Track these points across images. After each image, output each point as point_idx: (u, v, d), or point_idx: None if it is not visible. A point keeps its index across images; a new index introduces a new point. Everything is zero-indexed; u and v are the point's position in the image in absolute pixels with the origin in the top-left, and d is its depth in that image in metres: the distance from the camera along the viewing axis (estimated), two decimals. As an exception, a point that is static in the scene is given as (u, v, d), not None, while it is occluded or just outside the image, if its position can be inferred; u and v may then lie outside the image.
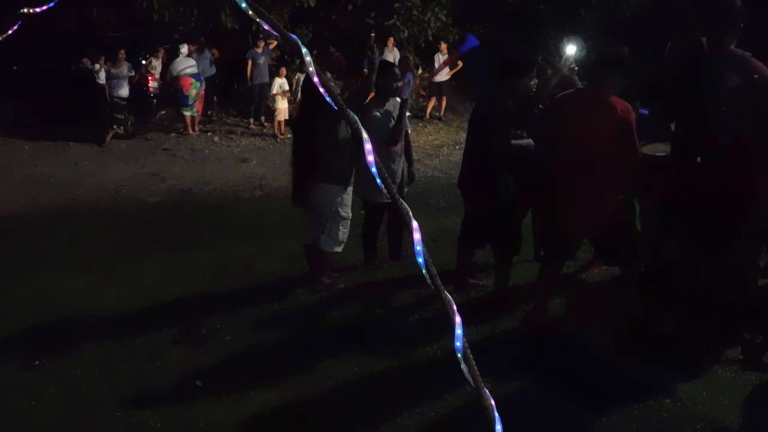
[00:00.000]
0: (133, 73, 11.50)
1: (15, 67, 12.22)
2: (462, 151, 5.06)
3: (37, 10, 1.73)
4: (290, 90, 12.11)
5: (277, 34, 1.39)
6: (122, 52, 11.26)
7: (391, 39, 13.68)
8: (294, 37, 1.34)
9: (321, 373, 3.98)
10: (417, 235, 1.27)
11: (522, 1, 14.48)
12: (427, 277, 1.27)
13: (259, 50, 12.29)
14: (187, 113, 11.77)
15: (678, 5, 10.43)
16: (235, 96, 13.39)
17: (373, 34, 8.93)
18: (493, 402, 1.27)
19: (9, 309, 4.71)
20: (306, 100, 5.19)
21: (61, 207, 7.68)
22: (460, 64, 13.22)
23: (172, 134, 11.74)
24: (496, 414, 1.27)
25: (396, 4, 14.19)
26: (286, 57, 13.25)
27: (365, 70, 7.72)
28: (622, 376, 3.93)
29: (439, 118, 13.66)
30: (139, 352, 4.20)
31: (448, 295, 1.28)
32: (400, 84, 5.51)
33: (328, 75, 5.31)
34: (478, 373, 1.26)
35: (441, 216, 6.81)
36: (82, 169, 9.52)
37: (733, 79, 3.66)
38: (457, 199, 5.27)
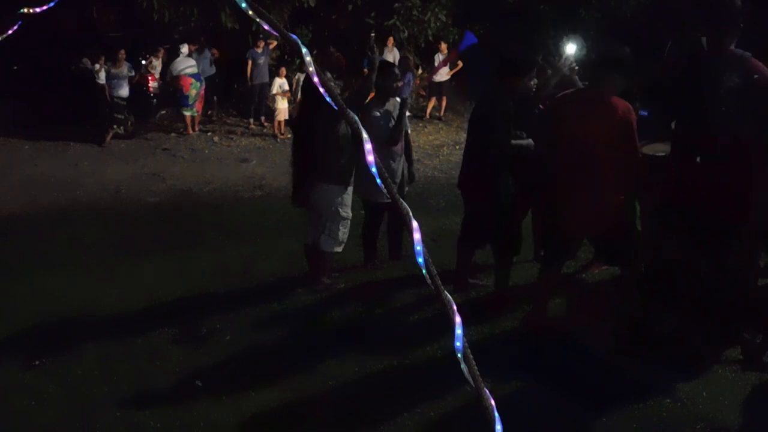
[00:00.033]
0: (133, 73, 11.51)
1: (15, 67, 12.23)
2: (462, 151, 5.06)
3: (37, 10, 1.73)
4: (290, 90, 12.12)
5: (277, 34, 1.39)
6: (122, 52, 11.26)
7: (391, 39, 13.68)
8: (294, 37, 1.34)
9: (321, 373, 3.98)
10: (417, 235, 1.27)
11: (522, 1, 14.49)
12: (427, 277, 1.27)
13: (259, 50, 12.29)
14: (187, 113, 11.78)
15: (678, 5, 10.44)
16: (235, 96, 13.39)
17: (373, 34, 8.95)
18: (493, 402, 1.27)
19: (9, 309, 4.71)
20: (306, 100, 5.19)
21: (61, 207, 7.68)
22: (460, 64, 13.22)
23: (172, 134, 11.74)
24: (496, 414, 1.27)
25: (396, 4, 14.19)
26: (286, 57, 13.25)
27: (365, 70, 7.72)
28: (622, 376, 3.93)
29: (439, 118, 13.66)
30: (139, 352, 4.20)
31: (448, 295, 1.28)
32: (400, 84, 5.51)
33: (328, 75, 5.31)
34: (478, 373, 1.26)
35: (441, 216, 6.81)
36: (82, 169, 9.52)
37: (733, 79, 3.66)
38: (457, 199, 5.27)
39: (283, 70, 12.22)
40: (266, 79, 12.30)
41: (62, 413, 3.58)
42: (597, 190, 4.01)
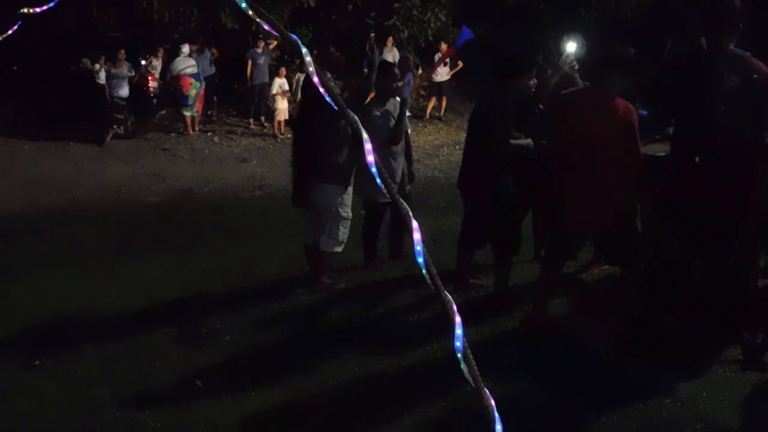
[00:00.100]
0: (133, 73, 11.51)
1: (15, 67, 12.22)
2: (462, 151, 5.07)
3: (37, 10, 1.73)
4: (290, 90, 12.12)
5: (277, 34, 1.39)
6: (122, 52, 11.26)
7: (390, 39, 13.68)
8: (294, 37, 1.34)
9: (321, 373, 3.98)
10: (417, 235, 1.27)
11: (522, 1, 14.49)
12: (427, 277, 1.27)
13: (259, 50, 12.29)
14: (187, 113, 11.78)
15: (678, 5, 10.44)
16: (235, 96, 13.39)
17: (372, 34, 8.94)
18: (493, 402, 1.27)
19: (9, 309, 4.71)
20: (306, 100, 5.19)
21: (61, 207, 7.68)
22: (460, 64, 13.22)
23: (172, 134, 11.74)
24: (496, 414, 1.27)
25: (396, 4, 14.19)
26: (286, 57, 13.25)
27: (365, 70, 7.73)
28: (622, 376, 3.93)
29: (439, 118, 13.66)
30: (139, 352, 4.19)
31: (448, 295, 1.28)
32: (400, 84, 5.52)
33: (328, 75, 5.31)
34: (478, 373, 1.26)
35: (441, 216, 6.81)
36: (82, 169, 9.52)
37: (733, 78, 3.66)
38: (457, 199, 5.27)
39: (283, 70, 12.22)
40: (266, 79, 12.30)
41: (62, 413, 3.58)
42: (597, 190, 4.01)
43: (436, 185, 8.67)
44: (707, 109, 3.71)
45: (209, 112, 12.80)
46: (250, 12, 1.34)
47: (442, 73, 13.35)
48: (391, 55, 13.10)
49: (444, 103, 13.70)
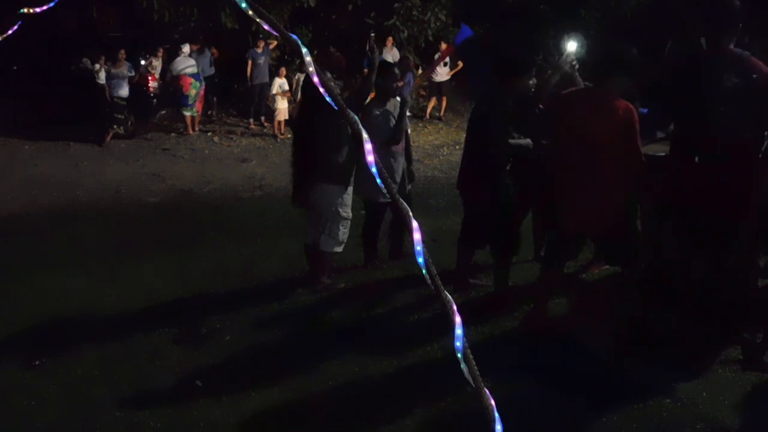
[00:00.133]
0: (133, 73, 11.51)
1: (15, 67, 12.23)
2: (462, 151, 5.07)
3: (37, 10, 1.73)
4: (290, 90, 12.12)
5: (277, 34, 1.39)
6: (122, 52, 11.27)
7: (390, 39, 13.68)
8: (294, 37, 1.34)
9: (321, 373, 3.98)
10: (417, 235, 1.27)
11: (522, 1, 14.50)
12: (427, 277, 1.27)
13: (259, 50, 12.29)
14: (187, 113, 11.78)
15: (678, 5, 10.44)
16: (235, 96, 13.39)
17: (372, 34, 8.94)
18: (493, 402, 1.27)
19: (9, 309, 4.71)
20: (306, 100, 5.19)
21: (61, 207, 7.68)
22: (460, 64, 13.21)
23: (172, 134, 11.74)
24: (496, 414, 1.27)
25: (396, 4, 14.19)
26: (286, 57, 13.26)
27: (365, 70, 7.72)
28: (622, 376, 3.93)
29: (439, 118, 13.66)
30: (139, 352, 4.19)
31: (448, 295, 1.28)
32: (400, 84, 5.52)
33: (328, 75, 5.31)
34: (478, 373, 1.26)
35: (441, 216, 6.81)
36: (82, 169, 9.53)
37: (732, 78, 3.66)
38: (457, 199, 5.27)
39: (283, 70, 12.22)
40: (266, 79, 12.31)
41: (62, 413, 3.57)
42: (597, 190, 4.00)
43: (436, 185, 8.67)
44: (707, 109, 3.71)
45: (209, 112, 12.80)
46: (250, 12, 1.34)
47: (442, 73, 13.34)
48: (391, 55, 13.10)
49: (444, 103, 13.69)
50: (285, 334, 4.53)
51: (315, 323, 4.64)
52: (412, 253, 1.28)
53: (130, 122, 11.38)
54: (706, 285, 3.98)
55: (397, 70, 5.53)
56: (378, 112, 5.09)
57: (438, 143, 11.87)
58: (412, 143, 5.66)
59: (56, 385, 3.82)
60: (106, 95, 11.12)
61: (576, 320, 4.67)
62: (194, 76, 11.69)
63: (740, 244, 3.93)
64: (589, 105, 4.06)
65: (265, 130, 12.24)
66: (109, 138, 11.00)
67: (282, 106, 11.95)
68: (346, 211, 4.87)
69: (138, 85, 11.80)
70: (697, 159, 3.83)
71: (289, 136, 10.13)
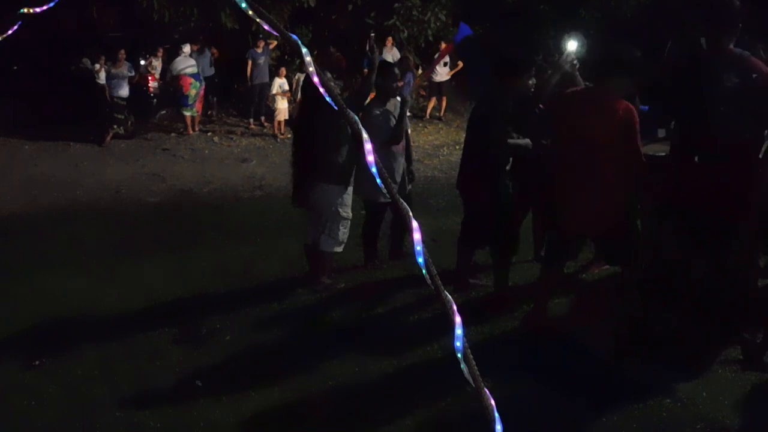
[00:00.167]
0: (133, 73, 11.51)
1: (15, 67, 12.23)
2: (462, 151, 5.06)
3: (37, 10, 1.73)
4: (290, 90, 12.12)
5: (277, 34, 1.39)
6: (122, 52, 11.28)
7: (390, 39, 13.68)
8: (294, 37, 1.34)
9: (321, 373, 3.98)
10: (417, 235, 1.27)
11: (522, 1, 14.50)
12: (427, 277, 1.27)
13: (259, 50, 12.29)
14: (187, 113, 11.78)
15: (678, 5, 10.44)
16: (235, 96, 13.40)
17: (372, 34, 8.95)
18: (493, 402, 1.27)
19: (9, 309, 4.71)
20: (306, 100, 5.19)
21: (61, 207, 7.68)
22: (460, 64, 13.21)
23: (172, 134, 11.75)
24: (496, 414, 1.27)
25: (396, 4, 14.19)
26: (286, 57, 13.26)
27: (365, 70, 7.72)
28: (622, 376, 3.93)
29: (439, 118, 13.66)
30: (139, 352, 4.19)
31: (448, 295, 1.28)
32: (400, 84, 5.52)
33: (328, 75, 5.31)
34: (478, 373, 1.26)
35: (441, 216, 6.81)
36: (82, 169, 9.53)
37: (732, 78, 3.66)
38: (457, 199, 5.27)
39: (283, 70, 12.22)
40: (266, 79, 12.31)
41: (62, 413, 3.57)
42: (597, 190, 4.00)
43: (436, 185, 8.67)
44: (707, 109, 3.71)
45: (209, 112, 12.81)
46: (250, 12, 1.34)
47: (442, 73, 13.35)
48: (391, 55, 13.10)
49: (444, 103, 13.69)
50: (285, 334, 4.53)
51: (315, 323, 4.64)
52: (412, 253, 1.28)
53: (130, 122, 11.39)
54: (706, 285, 3.98)
55: (397, 70, 5.53)
56: (378, 112, 5.09)
57: (438, 143, 11.87)
58: (412, 143, 5.66)
59: (56, 385, 3.81)
60: (106, 95, 11.13)
61: (576, 320, 4.67)
62: (194, 76, 11.69)
63: (740, 244, 3.93)
64: (589, 105, 4.06)
65: (265, 130, 12.24)
66: (109, 138, 11.00)
67: (282, 106, 11.95)
68: (346, 211, 4.87)
69: (138, 85, 11.81)
70: (697, 159, 3.83)
71: (289, 136, 10.13)
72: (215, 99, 12.89)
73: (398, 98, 5.30)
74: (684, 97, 3.88)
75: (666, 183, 4.06)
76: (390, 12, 14.14)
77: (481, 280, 5.19)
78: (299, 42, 1.33)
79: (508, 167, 4.72)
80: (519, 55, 5.07)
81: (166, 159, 10.33)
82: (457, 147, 10.65)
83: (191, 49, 12.05)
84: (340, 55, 13.30)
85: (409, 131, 5.58)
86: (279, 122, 11.97)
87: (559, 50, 4.77)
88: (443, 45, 13.66)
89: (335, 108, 1.34)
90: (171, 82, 11.80)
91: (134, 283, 5.21)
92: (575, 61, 4.64)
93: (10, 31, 1.80)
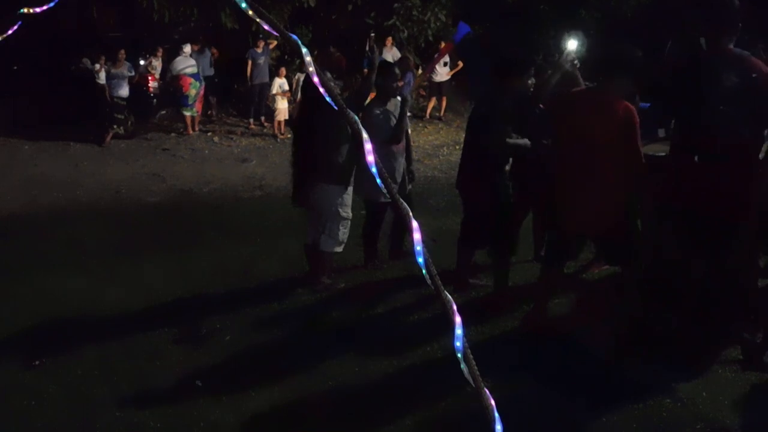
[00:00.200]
0: (133, 73, 11.51)
1: (15, 67, 12.23)
2: (461, 151, 5.06)
3: (37, 10, 1.73)
4: (290, 90, 12.12)
5: (277, 34, 1.39)
6: (122, 52, 11.28)
7: (390, 39, 13.68)
8: (294, 37, 1.34)
9: (321, 373, 3.98)
10: (417, 235, 1.27)
11: (522, 1, 14.50)
12: (427, 277, 1.27)
13: (259, 50, 12.29)
14: (187, 113, 11.79)
15: (678, 5, 10.44)
16: (235, 96, 13.40)
17: (372, 34, 8.95)
18: (493, 402, 1.27)
19: (9, 309, 4.71)
20: (306, 100, 5.19)
21: (61, 207, 7.68)
22: (460, 64, 13.20)
23: (172, 134, 11.75)
24: (496, 414, 1.27)
25: (396, 4, 14.19)
26: (286, 57, 13.26)
27: (365, 70, 7.72)
28: (622, 376, 3.93)
29: (439, 118, 13.66)
30: (139, 352, 4.19)
31: (448, 295, 1.28)
32: (400, 84, 5.52)
33: (328, 75, 5.31)
34: (478, 373, 1.26)
35: (441, 216, 6.81)
36: (82, 169, 9.53)
37: (732, 78, 3.67)
38: (457, 199, 5.27)
39: (283, 70, 12.22)
40: (266, 79, 12.31)
41: (62, 413, 3.57)
42: (597, 190, 4.00)
43: (436, 185, 8.67)
44: (707, 108, 3.71)
45: (209, 112, 12.81)
46: (250, 12, 1.34)
47: (442, 73, 13.35)
48: (391, 54, 13.10)
49: (444, 103, 13.69)
50: (285, 334, 4.53)
51: (315, 323, 4.64)
52: (412, 253, 1.28)
53: (130, 122, 11.39)
54: (706, 285, 3.98)
55: (397, 70, 5.53)
56: (378, 111, 5.09)
57: (438, 143, 11.87)
58: (412, 143, 5.66)
59: (56, 385, 3.81)
60: (106, 95, 11.13)
61: (576, 320, 4.67)
62: (194, 76, 11.69)
63: (740, 244, 3.93)
64: (589, 105, 4.06)
65: (265, 130, 12.24)
66: (109, 138, 11.00)
67: (282, 106, 11.95)
68: (346, 211, 4.87)
69: (138, 85, 11.81)
70: (697, 159, 3.83)
71: (289, 136, 10.13)
72: (215, 99, 12.88)
73: (398, 98, 5.30)
74: (684, 97, 3.88)
75: (666, 183, 4.06)
76: (390, 12, 14.14)
77: (481, 280, 5.19)
78: (299, 42, 1.33)
79: (507, 167, 4.72)
80: (519, 55, 5.07)
81: (166, 159, 10.34)
82: (457, 147, 10.64)
83: (192, 49, 12.05)
84: (340, 55, 13.29)
85: (410, 131, 5.58)
86: (279, 122, 11.97)
87: (560, 50, 4.77)
88: (443, 45, 13.67)
89: (335, 108, 1.35)
90: (171, 82, 11.80)
91: (134, 283, 5.21)
92: (576, 61, 4.64)
93: (10, 31, 1.80)
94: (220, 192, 8.59)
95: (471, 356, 1.25)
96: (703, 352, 4.11)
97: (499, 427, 1.28)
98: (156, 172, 9.49)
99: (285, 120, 11.91)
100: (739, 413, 3.67)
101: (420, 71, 14.02)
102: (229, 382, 3.86)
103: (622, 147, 3.94)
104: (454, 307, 1.27)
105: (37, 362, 4.05)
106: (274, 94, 11.98)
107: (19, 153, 10.36)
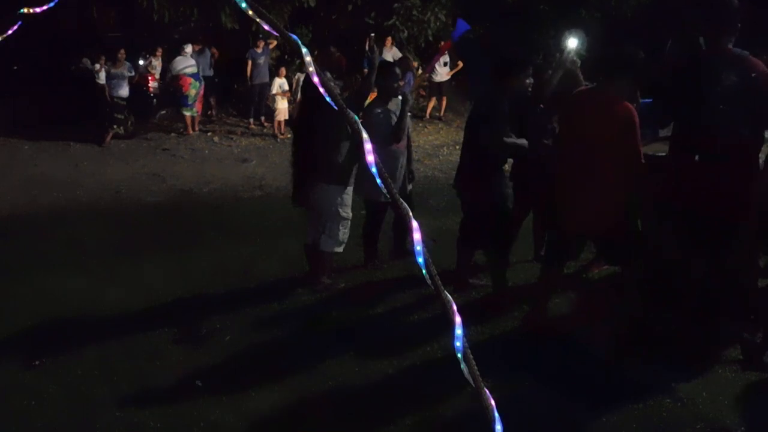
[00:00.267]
0: (133, 73, 11.52)
1: (15, 67, 12.23)
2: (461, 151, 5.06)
3: (37, 10, 1.73)
4: (290, 90, 12.12)
5: (277, 34, 1.39)
6: (122, 52, 11.28)
7: (390, 39, 13.68)
8: (294, 37, 1.34)
9: (321, 373, 3.98)
10: (417, 235, 1.27)
11: (522, 1, 14.50)
12: (427, 277, 1.27)
13: (259, 50, 12.29)
14: (187, 113, 11.79)
15: (678, 5, 10.43)
16: (235, 96, 13.40)
17: (372, 34, 8.94)
18: (493, 402, 1.27)
19: (9, 309, 4.70)
20: (306, 100, 5.19)
21: (61, 207, 7.68)
22: (460, 64, 13.22)
23: (172, 134, 11.75)
24: (496, 414, 1.27)
25: (396, 4, 14.19)
26: (286, 57, 13.26)
27: (365, 70, 7.72)
28: (622, 376, 3.93)
29: (439, 118, 13.66)
30: (139, 352, 4.19)
31: (448, 295, 1.28)
32: (401, 83, 5.51)
33: (328, 75, 5.31)
34: (478, 373, 1.26)
35: (441, 216, 6.81)
36: (82, 169, 9.53)
37: (732, 78, 3.67)
38: (457, 199, 5.27)
39: (283, 70, 12.23)
40: (266, 79, 12.31)
41: (62, 413, 3.57)
42: (597, 190, 4.00)
43: (436, 185, 8.67)
44: (707, 108, 3.71)
45: (209, 112, 12.81)
46: (250, 12, 1.34)
47: (442, 73, 13.35)
48: (391, 54, 13.10)
49: (444, 103, 13.69)
50: (285, 334, 4.53)
51: (315, 323, 4.63)
52: (412, 253, 1.28)
53: (130, 122, 11.39)
54: (706, 285, 3.98)
55: (397, 70, 5.53)
56: (379, 111, 5.09)
57: (438, 143, 11.87)
58: (412, 143, 5.66)
59: (56, 385, 3.81)
60: (106, 95, 11.13)
61: (576, 320, 4.67)
62: (194, 76, 11.69)
63: (740, 244, 3.93)
64: (589, 105, 4.06)
65: (265, 130, 12.24)
66: (109, 138, 11.00)
67: (282, 106, 11.95)
68: (346, 211, 4.87)
69: (138, 85, 11.81)
70: (697, 159, 3.83)
71: (289, 136, 10.13)
72: (215, 99, 12.88)
73: (399, 97, 5.29)
74: (684, 97, 3.88)
75: (666, 183, 4.06)
76: (390, 12, 14.14)
77: (481, 280, 5.19)
78: (299, 42, 1.33)
79: (507, 167, 4.71)
80: (519, 55, 5.07)
81: (166, 159, 10.33)
82: (457, 147, 10.60)
83: (192, 49, 12.05)
84: (340, 55, 13.29)
85: (410, 131, 5.58)
86: (279, 122, 11.97)
87: (560, 49, 4.77)
88: (442, 45, 13.67)
89: (335, 108, 1.35)
90: (171, 82, 11.80)
91: (134, 283, 5.21)
92: (576, 60, 4.64)
93: (10, 31, 1.80)
94: (220, 192, 8.59)
95: (471, 356, 1.25)
96: (703, 352, 4.11)
97: (499, 427, 1.28)
98: (156, 172, 9.49)
99: (285, 120, 11.92)
100: (739, 413, 3.67)
101: (420, 71, 14.02)
102: (229, 382, 3.86)
103: (622, 147, 3.94)
104: (454, 307, 1.27)
105: (37, 362, 4.05)
106: (274, 94, 11.99)
107: (19, 153, 10.36)
